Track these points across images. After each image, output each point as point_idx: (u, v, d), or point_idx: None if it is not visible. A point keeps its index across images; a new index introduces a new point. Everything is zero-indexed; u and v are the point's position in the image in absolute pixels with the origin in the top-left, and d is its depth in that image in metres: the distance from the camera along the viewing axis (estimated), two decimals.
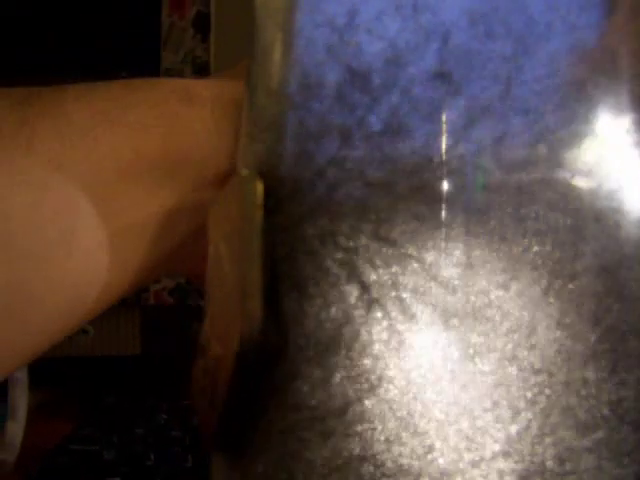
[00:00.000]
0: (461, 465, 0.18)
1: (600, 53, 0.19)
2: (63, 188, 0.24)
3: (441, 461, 0.18)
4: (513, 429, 0.18)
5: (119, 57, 0.98)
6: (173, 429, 0.62)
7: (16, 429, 0.55)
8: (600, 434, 0.19)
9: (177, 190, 0.26)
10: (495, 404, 0.18)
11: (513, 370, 0.18)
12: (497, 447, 0.18)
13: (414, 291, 0.18)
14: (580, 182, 0.18)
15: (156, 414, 0.65)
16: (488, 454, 0.18)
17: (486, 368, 0.18)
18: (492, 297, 0.18)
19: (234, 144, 0.25)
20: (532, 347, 0.18)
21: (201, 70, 0.96)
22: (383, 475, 0.18)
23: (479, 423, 0.18)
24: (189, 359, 0.69)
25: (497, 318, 0.18)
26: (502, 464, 0.18)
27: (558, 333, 0.18)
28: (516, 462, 0.18)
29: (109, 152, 0.25)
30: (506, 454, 0.18)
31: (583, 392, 0.18)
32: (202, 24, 0.95)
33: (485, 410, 0.18)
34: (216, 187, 0.26)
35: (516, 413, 0.18)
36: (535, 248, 0.18)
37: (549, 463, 0.18)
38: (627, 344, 0.18)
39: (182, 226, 0.27)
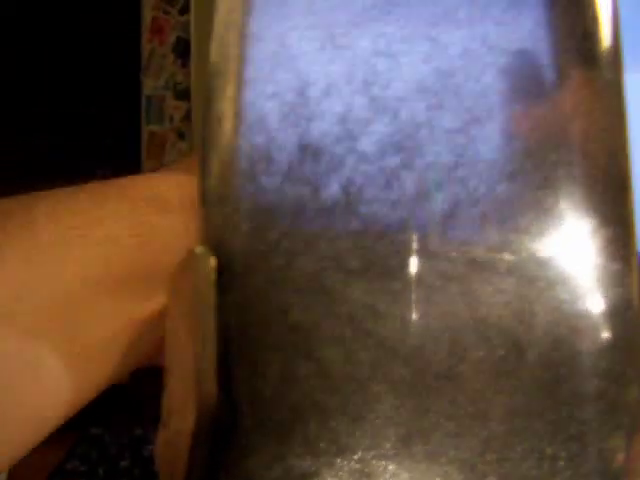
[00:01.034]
0: None
1: (552, 123, 0.19)
2: (30, 315, 0.24)
3: None
4: None
5: (99, 83, 0.98)
6: None
7: None
8: None
9: (148, 298, 0.26)
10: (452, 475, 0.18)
11: (471, 442, 0.18)
12: None
13: (369, 366, 0.18)
14: (533, 251, 0.18)
15: (142, 445, 0.65)
16: None
17: (443, 439, 0.18)
18: (447, 369, 0.18)
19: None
20: (488, 419, 0.18)
21: (182, 96, 0.96)
22: None
23: None
24: None
25: (452, 391, 0.18)
26: None
27: (515, 403, 0.18)
28: None
29: (79, 270, 0.25)
30: None
31: (542, 462, 0.18)
32: (182, 50, 0.95)
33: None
34: None
35: None
36: (488, 318, 0.18)
37: None
38: (583, 411, 0.18)
39: (154, 330, 0.27)
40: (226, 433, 0.18)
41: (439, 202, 0.18)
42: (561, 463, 0.19)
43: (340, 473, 0.18)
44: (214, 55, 0.19)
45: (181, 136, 0.96)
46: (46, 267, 0.25)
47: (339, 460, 0.18)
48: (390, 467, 0.18)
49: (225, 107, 0.19)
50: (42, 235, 0.25)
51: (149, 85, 0.95)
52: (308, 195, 0.18)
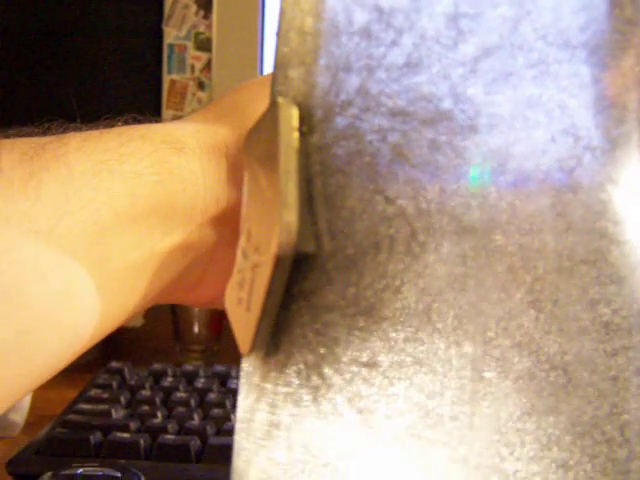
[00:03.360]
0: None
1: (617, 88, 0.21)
2: (65, 237, 0.26)
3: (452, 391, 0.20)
4: None
5: (122, 33, 0.99)
6: (178, 391, 0.63)
7: None
8: None
9: (168, 232, 0.29)
10: None
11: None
12: None
13: (433, 202, 0.20)
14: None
15: (161, 377, 0.67)
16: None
17: (496, 294, 0.20)
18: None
19: (220, 187, 0.28)
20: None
21: (203, 46, 0.97)
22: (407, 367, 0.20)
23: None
24: (188, 330, 0.70)
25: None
26: None
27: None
28: None
29: (107, 200, 0.27)
30: None
31: None
32: (204, 1, 0.96)
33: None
34: (204, 228, 0.29)
35: None
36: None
37: None
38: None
39: (174, 264, 0.30)
40: (304, 263, 0.20)
41: (496, 64, 0.20)
42: None
43: (403, 303, 0.20)
44: None
45: (201, 86, 0.98)
46: (79, 195, 0.27)
47: (402, 291, 0.20)
48: (447, 299, 0.20)
49: None
50: (74, 166, 0.27)
51: (171, 35, 0.97)
52: (380, 56, 0.20)
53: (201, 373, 0.68)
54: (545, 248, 0.21)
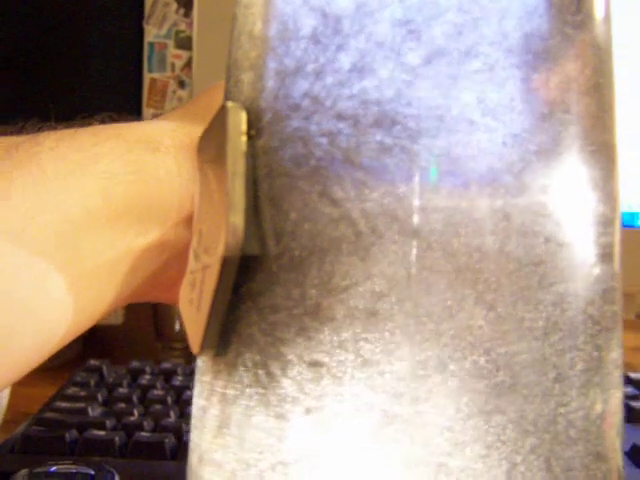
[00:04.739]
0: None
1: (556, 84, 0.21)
2: (37, 236, 0.27)
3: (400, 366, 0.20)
4: None
5: (102, 32, 0.99)
6: (156, 389, 0.63)
7: (3, 392, 0.57)
8: None
9: (144, 231, 0.29)
10: None
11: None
12: None
13: (379, 205, 0.20)
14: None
15: (139, 376, 0.67)
16: None
17: (439, 290, 0.21)
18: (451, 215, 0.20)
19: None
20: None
21: (184, 45, 0.98)
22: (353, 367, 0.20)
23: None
24: (169, 327, 0.70)
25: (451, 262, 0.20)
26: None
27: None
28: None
29: (80, 200, 0.28)
30: None
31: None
32: None
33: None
34: (180, 226, 0.29)
35: None
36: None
37: None
38: (566, 366, 0.21)
39: (150, 263, 0.30)
40: (250, 264, 0.20)
41: (441, 68, 0.21)
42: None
43: (349, 302, 0.20)
44: None
45: (182, 84, 0.98)
46: (51, 194, 0.27)
47: (349, 291, 0.20)
48: (393, 300, 0.21)
49: None
50: (47, 166, 0.27)
51: (152, 33, 0.97)
52: (327, 61, 0.21)
53: (179, 371, 0.68)
54: (491, 250, 0.21)
